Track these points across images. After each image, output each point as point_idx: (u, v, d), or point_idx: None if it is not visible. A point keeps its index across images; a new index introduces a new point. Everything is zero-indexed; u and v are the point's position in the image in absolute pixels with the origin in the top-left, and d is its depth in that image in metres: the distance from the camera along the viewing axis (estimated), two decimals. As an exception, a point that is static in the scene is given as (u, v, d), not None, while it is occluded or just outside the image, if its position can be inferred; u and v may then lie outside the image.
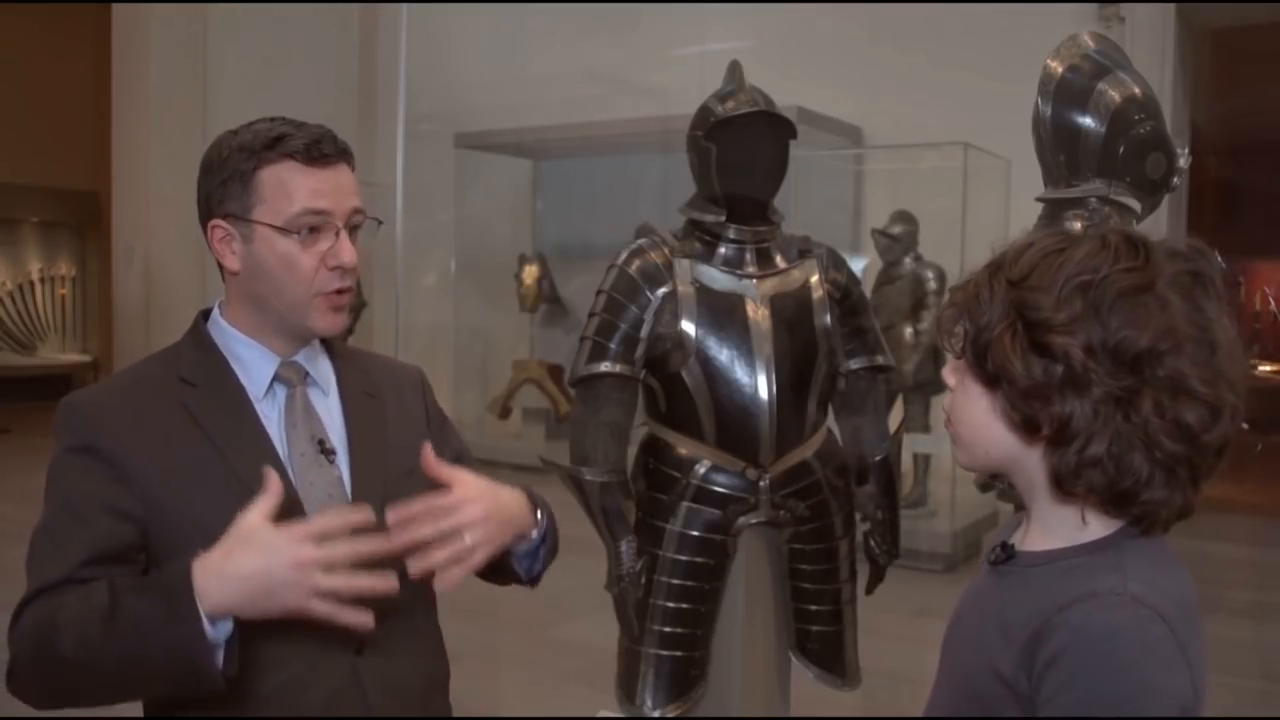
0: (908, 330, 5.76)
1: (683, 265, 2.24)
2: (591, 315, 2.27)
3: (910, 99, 6.50)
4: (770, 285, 2.27)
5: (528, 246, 8.37)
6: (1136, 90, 2.14)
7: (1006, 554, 1.08)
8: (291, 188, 1.30)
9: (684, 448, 2.27)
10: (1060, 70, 2.17)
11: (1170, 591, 0.98)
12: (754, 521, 2.26)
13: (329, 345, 1.45)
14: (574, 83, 7.52)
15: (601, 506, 2.21)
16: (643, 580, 2.25)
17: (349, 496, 1.33)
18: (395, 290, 5.96)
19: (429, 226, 7.98)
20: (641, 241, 2.29)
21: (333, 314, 1.36)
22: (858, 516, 2.44)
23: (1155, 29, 5.98)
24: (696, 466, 2.25)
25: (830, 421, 2.42)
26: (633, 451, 2.33)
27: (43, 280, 12.14)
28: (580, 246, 8.04)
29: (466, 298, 8.49)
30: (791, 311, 2.27)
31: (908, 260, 5.83)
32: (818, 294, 2.31)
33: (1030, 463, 1.03)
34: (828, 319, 2.31)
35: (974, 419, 1.05)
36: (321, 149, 1.31)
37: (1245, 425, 1.02)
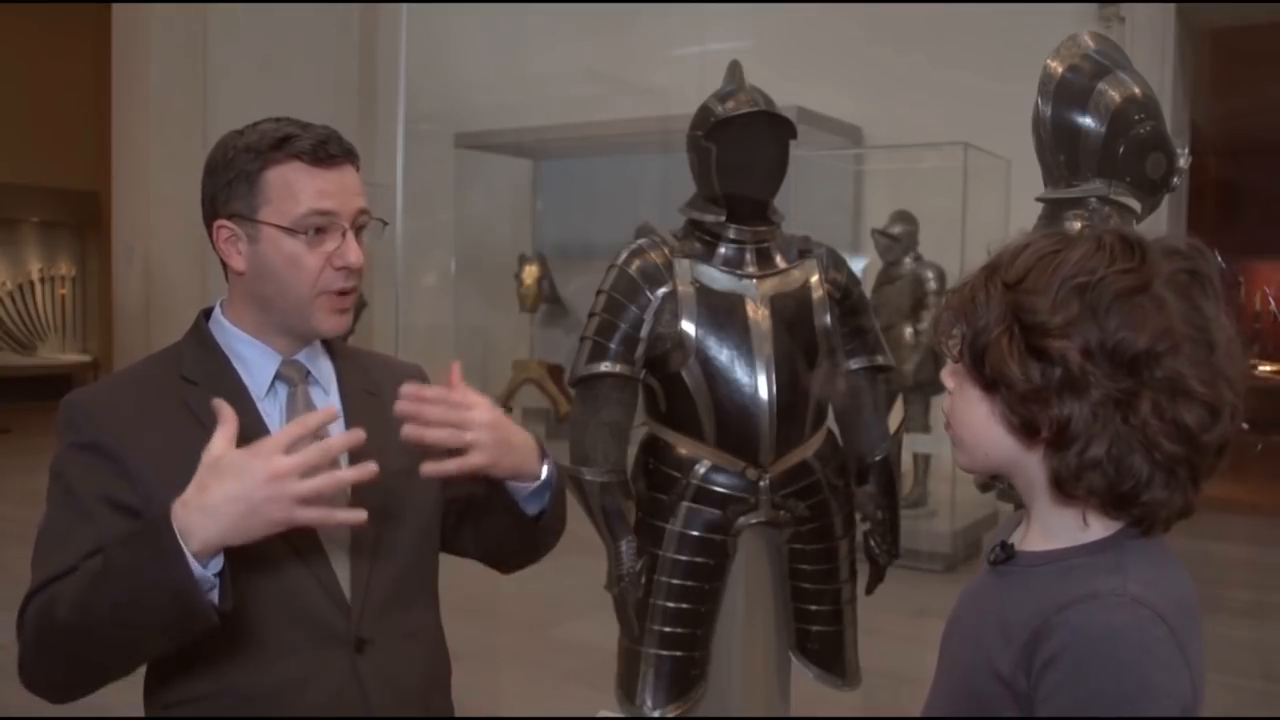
0: (908, 330, 5.76)
1: (683, 265, 2.24)
2: (591, 315, 2.27)
3: (910, 99, 6.50)
4: (770, 285, 2.27)
5: (528, 246, 8.37)
6: (1136, 90, 2.14)
7: (1006, 554, 1.08)
8: (298, 188, 1.30)
9: (684, 448, 2.27)
10: (1060, 70, 2.17)
11: (1170, 592, 0.98)
12: (754, 521, 2.26)
13: (329, 344, 1.46)
14: (574, 83, 7.52)
15: (601, 506, 2.21)
16: (643, 580, 2.25)
17: (349, 495, 1.33)
18: (395, 290, 5.96)
19: (429, 226, 7.98)
20: (641, 241, 2.29)
21: (337, 315, 1.36)
22: (858, 516, 2.44)
23: (1155, 29, 5.98)
24: (696, 466, 2.25)
25: (830, 421, 2.42)
26: (633, 451, 2.33)
27: (43, 280, 12.14)
28: (580, 246, 8.04)
29: (466, 298, 8.48)
30: (791, 311, 2.27)
31: (908, 260, 5.83)
32: (818, 294, 2.31)
33: (1030, 465, 1.03)
34: (828, 319, 2.31)
35: (973, 422, 1.05)
36: (328, 149, 1.31)
37: (1245, 425, 1.01)
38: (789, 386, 2.23)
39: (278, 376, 1.37)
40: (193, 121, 7.44)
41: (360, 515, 1.17)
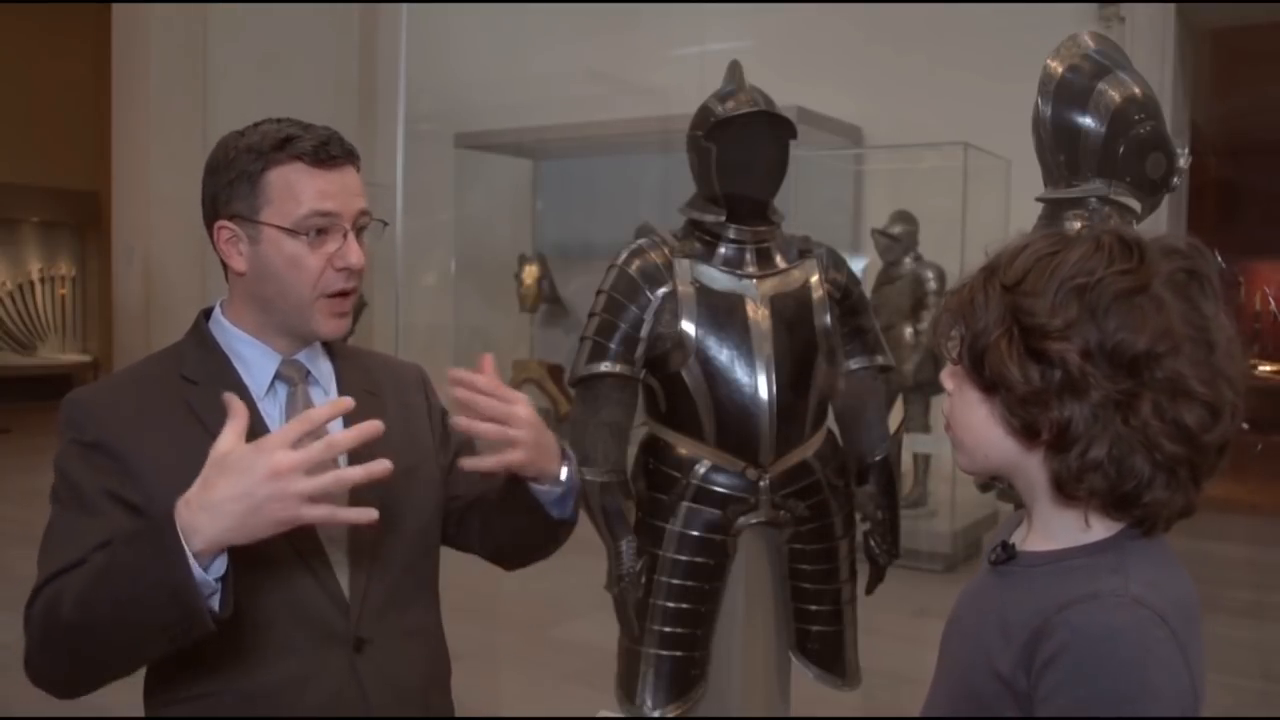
0: (908, 330, 5.76)
1: (683, 265, 2.24)
2: (591, 315, 2.27)
3: (910, 99, 6.50)
4: (770, 285, 2.27)
5: (528, 246, 8.37)
6: (1136, 90, 2.14)
7: (1007, 554, 1.08)
8: (299, 189, 1.30)
9: (684, 448, 2.27)
10: (1060, 70, 2.17)
11: (1171, 593, 0.98)
12: (754, 521, 2.26)
13: (329, 344, 1.46)
14: (574, 83, 7.52)
15: (601, 506, 2.22)
16: (643, 580, 2.25)
17: (348, 495, 1.33)
18: (395, 290, 5.95)
19: (429, 226, 7.98)
20: (641, 241, 2.29)
21: (336, 319, 1.36)
22: (858, 516, 2.44)
23: (1155, 29, 5.98)
24: (696, 466, 2.25)
25: (830, 421, 2.42)
26: (633, 451, 2.33)
27: (43, 280, 12.14)
28: (580, 246, 8.03)
29: (466, 298, 8.48)
30: (791, 311, 2.27)
31: (908, 260, 5.83)
32: (818, 294, 2.31)
33: (1031, 467, 1.03)
34: (828, 319, 2.31)
35: (973, 424, 1.05)
36: (329, 150, 1.32)
37: (1245, 425, 1.01)
38: (789, 386, 2.23)
39: (278, 376, 1.37)
40: (193, 121, 7.43)
41: (371, 514, 1.15)
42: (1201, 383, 0.96)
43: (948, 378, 1.08)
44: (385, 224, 1.43)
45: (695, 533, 2.24)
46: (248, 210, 1.31)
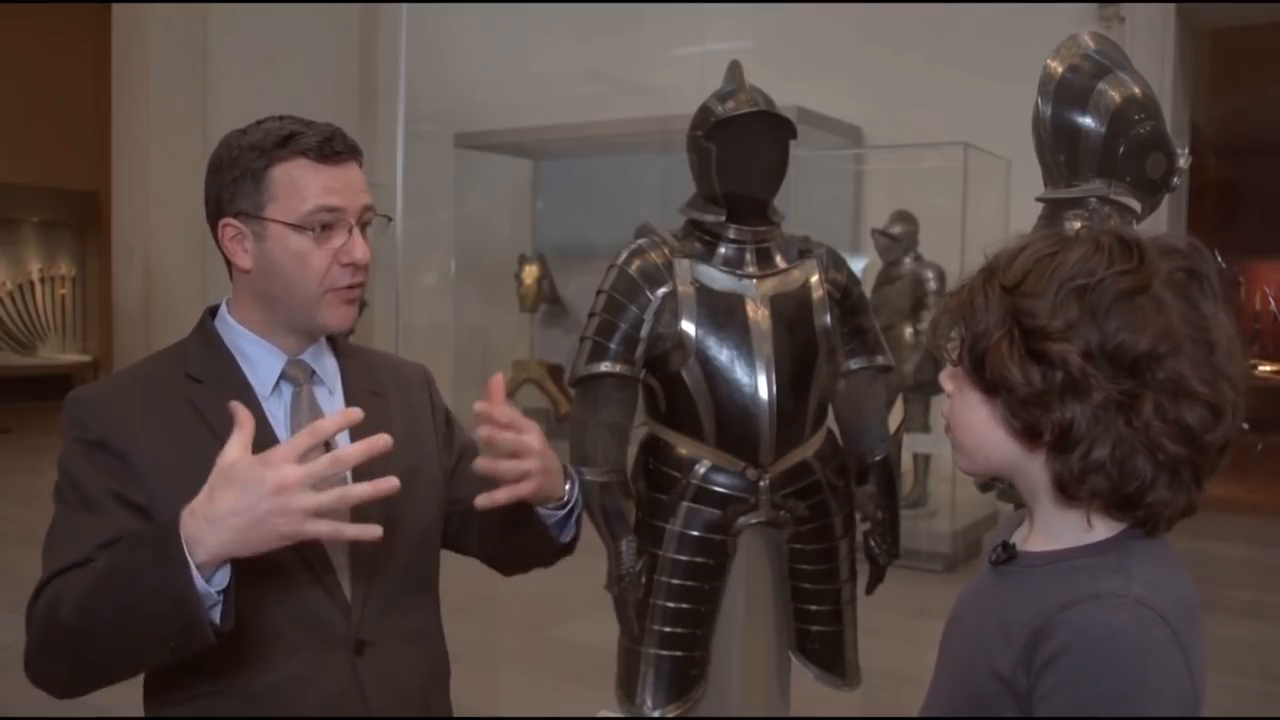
0: (908, 330, 5.76)
1: (683, 265, 2.24)
2: (591, 315, 2.27)
3: (910, 99, 6.50)
4: (770, 285, 2.27)
5: (528, 246, 8.37)
6: (1136, 90, 2.14)
7: (1008, 554, 1.08)
8: (304, 185, 1.30)
9: (684, 448, 2.27)
10: (1060, 70, 2.17)
11: (1172, 594, 0.98)
12: (754, 521, 2.26)
13: (334, 343, 1.46)
14: (574, 83, 7.52)
15: (601, 506, 2.22)
16: (643, 580, 2.25)
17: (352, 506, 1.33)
18: (395, 290, 5.95)
19: (429, 226, 7.98)
20: (641, 241, 2.29)
21: (344, 307, 1.36)
22: (858, 516, 2.44)
23: (1155, 29, 5.98)
24: (696, 466, 2.25)
25: (830, 421, 2.42)
26: (633, 451, 2.33)
27: (43, 280, 12.14)
28: (580, 246, 8.03)
29: (466, 298, 8.48)
30: (791, 311, 2.27)
31: (908, 260, 5.83)
32: (818, 294, 2.31)
33: (1032, 468, 1.03)
34: (828, 319, 2.31)
35: (974, 426, 1.05)
36: (333, 146, 1.32)
37: (1245, 425, 1.01)
38: (789, 386, 2.23)
39: (283, 376, 1.37)
40: (193, 121, 7.43)
41: (375, 531, 1.14)
42: (1203, 383, 0.96)
43: (947, 379, 1.08)
44: (389, 219, 1.43)
45: (695, 533, 2.24)
46: (252, 207, 1.31)
